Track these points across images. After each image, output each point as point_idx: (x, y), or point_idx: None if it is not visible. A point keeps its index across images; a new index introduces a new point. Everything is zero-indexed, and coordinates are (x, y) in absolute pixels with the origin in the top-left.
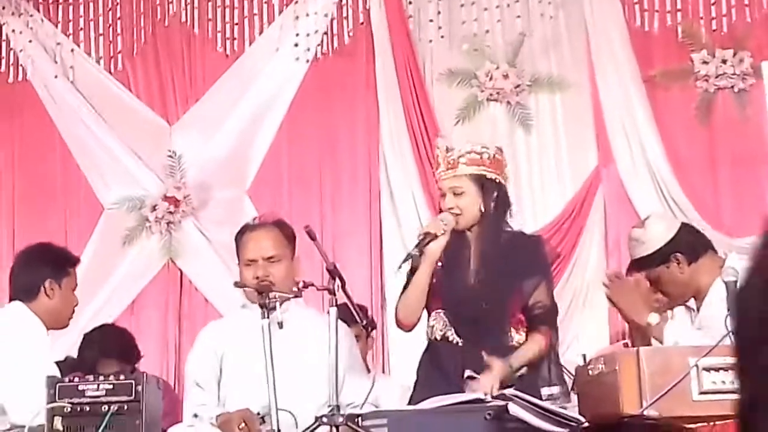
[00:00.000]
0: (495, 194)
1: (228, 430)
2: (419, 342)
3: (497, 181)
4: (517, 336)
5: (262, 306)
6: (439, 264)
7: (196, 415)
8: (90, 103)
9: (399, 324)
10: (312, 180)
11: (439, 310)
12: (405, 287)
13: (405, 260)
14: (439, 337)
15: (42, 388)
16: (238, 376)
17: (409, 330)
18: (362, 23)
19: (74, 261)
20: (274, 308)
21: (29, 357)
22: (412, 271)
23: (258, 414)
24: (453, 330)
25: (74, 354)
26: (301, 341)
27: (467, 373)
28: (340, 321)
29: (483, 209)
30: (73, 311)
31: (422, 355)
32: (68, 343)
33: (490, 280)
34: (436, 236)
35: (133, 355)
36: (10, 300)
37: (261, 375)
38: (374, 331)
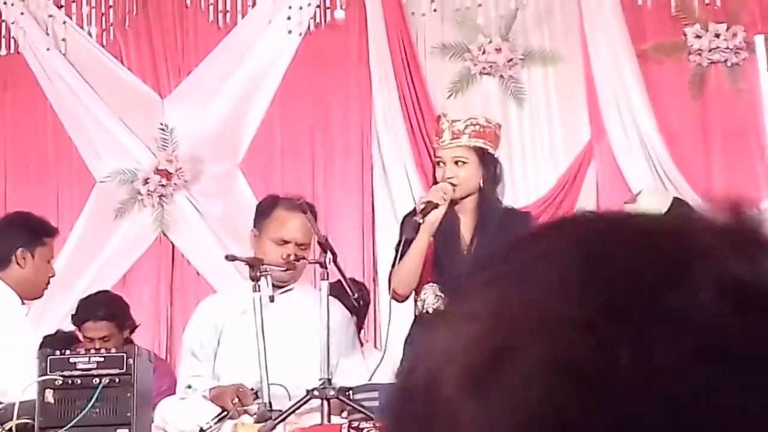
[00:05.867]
0: (493, 169)
1: (221, 403)
2: (411, 315)
3: (495, 156)
4: None
5: (253, 279)
6: (431, 237)
7: (189, 386)
8: (82, 76)
9: (394, 295)
10: (304, 154)
11: (431, 284)
12: (397, 258)
13: (407, 228)
14: (430, 311)
15: (24, 361)
16: (235, 351)
17: (403, 301)
18: None
19: (51, 232)
20: (266, 280)
21: (5, 331)
22: (403, 243)
23: (252, 389)
24: None
25: (65, 328)
26: (297, 317)
27: None
28: (340, 305)
29: (482, 184)
30: (49, 282)
31: (411, 329)
32: (59, 316)
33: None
34: (437, 206)
35: (124, 321)
36: None
37: (256, 350)
38: (368, 306)
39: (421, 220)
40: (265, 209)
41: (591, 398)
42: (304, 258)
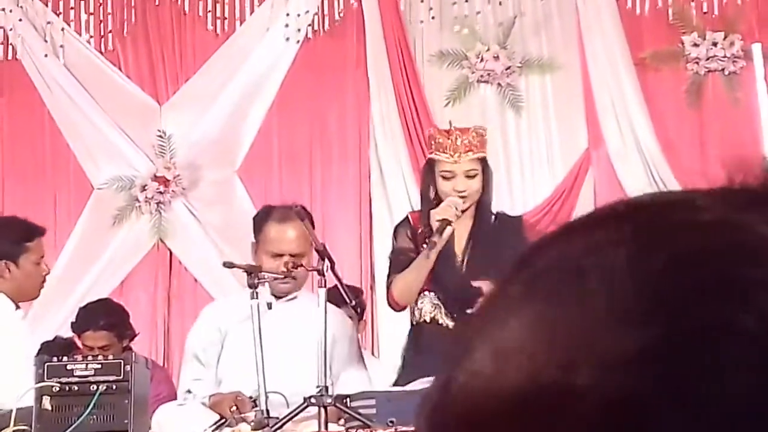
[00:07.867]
0: (490, 177)
1: (219, 410)
2: (408, 324)
3: (488, 163)
4: None
5: (251, 287)
6: (423, 246)
7: (189, 391)
8: (80, 83)
9: (394, 305)
10: (302, 160)
11: (426, 292)
12: (391, 269)
13: (430, 249)
14: (428, 320)
15: (21, 368)
16: (238, 357)
17: (402, 310)
18: (353, 3)
19: (34, 233)
20: (263, 288)
21: (1, 338)
22: (396, 253)
23: (250, 397)
24: (442, 311)
25: (63, 334)
26: (300, 325)
27: None
28: (345, 316)
29: (483, 192)
30: (44, 280)
31: (407, 337)
32: (57, 323)
33: (479, 262)
34: (450, 222)
35: (124, 331)
36: None
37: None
38: (364, 312)
39: (438, 239)
40: (258, 222)
41: None
42: (302, 266)
